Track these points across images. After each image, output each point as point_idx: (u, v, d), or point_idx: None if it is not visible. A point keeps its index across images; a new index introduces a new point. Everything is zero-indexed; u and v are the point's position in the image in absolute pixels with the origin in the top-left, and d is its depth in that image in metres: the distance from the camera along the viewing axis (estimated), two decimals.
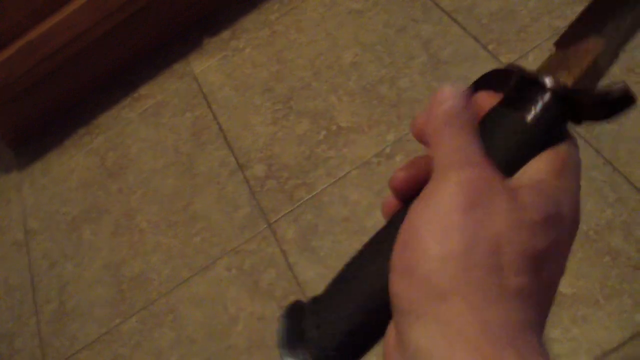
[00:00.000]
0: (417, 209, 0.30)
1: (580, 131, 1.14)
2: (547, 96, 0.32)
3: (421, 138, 0.35)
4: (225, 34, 1.57)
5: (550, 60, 0.35)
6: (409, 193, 0.34)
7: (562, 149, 0.33)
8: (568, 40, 0.36)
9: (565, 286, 0.99)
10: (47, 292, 1.36)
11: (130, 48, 1.61)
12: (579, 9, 1.17)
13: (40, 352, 1.29)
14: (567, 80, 0.33)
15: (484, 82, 0.36)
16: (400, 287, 0.29)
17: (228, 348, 1.15)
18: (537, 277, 0.28)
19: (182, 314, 1.22)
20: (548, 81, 0.32)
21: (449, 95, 0.32)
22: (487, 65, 1.28)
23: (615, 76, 0.34)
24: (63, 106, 1.63)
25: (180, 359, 1.17)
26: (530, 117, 0.32)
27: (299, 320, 0.34)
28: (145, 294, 1.27)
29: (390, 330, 0.31)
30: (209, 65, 1.53)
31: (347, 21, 1.45)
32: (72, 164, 1.54)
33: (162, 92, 1.54)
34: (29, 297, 1.37)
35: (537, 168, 0.32)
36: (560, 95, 0.32)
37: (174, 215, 1.34)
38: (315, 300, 0.35)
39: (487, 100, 0.35)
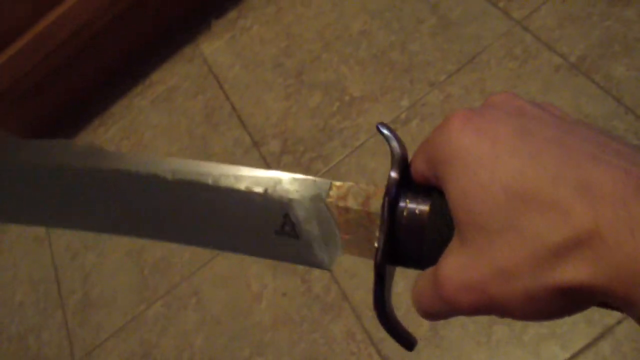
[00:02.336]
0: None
1: (600, 81, 1.11)
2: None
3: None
4: (232, 14, 1.55)
5: None
6: None
7: None
8: None
9: None
10: (71, 284, 1.36)
11: (137, 35, 1.59)
12: None
13: (67, 343, 1.28)
14: None
15: None
16: None
17: (253, 326, 1.13)
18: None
19: (206, 295, 1.20)
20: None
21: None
22: (499, 23, 1.25)
23: None
24: (75, 98, 1.63)
25: (206, 340, 1.16)
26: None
27: None
28: (168, 278, 1.26)
29: None
30: (218, 46, 1.51)
31: None
32: None
33: (173, 77, 1.53)
34: (53, 289, 1.37)
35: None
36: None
37: None
38: None
39: None
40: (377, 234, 0.32)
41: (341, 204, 0.35)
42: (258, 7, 1.52)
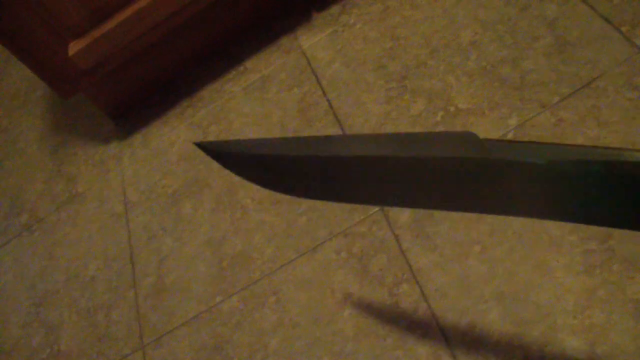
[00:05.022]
0: None
1: None
2: None
3: None
4: (335, 9, 1.51)
5: None
6: None
7: None
8: None
9: None
10: (146, 266, 1.34)
11: (235, 21, 1.57)
12: None
13: (137, 325, 1.26)
14: None
15: None
16: None
17: (334, 334, 1.09)
18: None
19: (286, 296, 1.17)
20: None
21: None
22: (620, 49, 1.19)
23: None
24: (166, 78, 1.61)
25: (283, 342, 1.12)
26: None
27: None
28: (247, 273, 1.23)
29: None
30: (318, 40, 1.47)
31: None
32: (173, 136, 1.51)
33: (268, 66, 1.50)
34: (127, 269, 1.35)
35: None
36: None
37: (279, 194, 1.29)
38: None
39: None
40: None
41: None
42: (363, 5, 1.48)
